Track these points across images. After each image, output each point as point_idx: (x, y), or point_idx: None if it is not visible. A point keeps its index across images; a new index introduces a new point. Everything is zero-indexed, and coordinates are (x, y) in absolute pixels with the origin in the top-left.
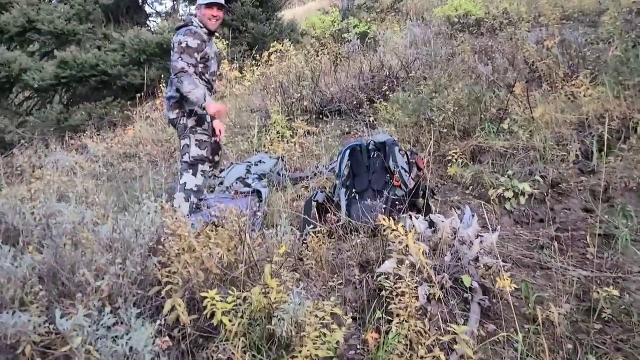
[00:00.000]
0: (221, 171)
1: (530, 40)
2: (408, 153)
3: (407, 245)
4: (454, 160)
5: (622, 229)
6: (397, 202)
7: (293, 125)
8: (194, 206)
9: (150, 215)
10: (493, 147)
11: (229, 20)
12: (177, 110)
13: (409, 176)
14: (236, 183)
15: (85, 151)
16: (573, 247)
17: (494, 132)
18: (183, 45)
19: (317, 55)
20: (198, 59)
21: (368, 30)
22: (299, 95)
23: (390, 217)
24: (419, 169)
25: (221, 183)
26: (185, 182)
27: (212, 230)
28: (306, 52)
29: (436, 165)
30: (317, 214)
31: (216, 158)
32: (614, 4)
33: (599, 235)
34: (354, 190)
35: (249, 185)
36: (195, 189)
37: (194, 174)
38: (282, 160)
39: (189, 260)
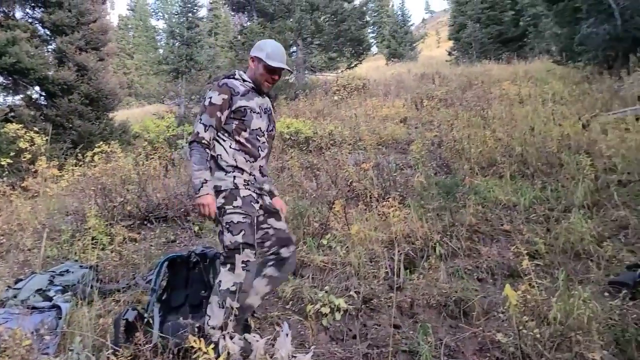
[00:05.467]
0: (17, 282)
1: (350, 161)
2: None
3: None
4: None
5: (424, 346)
6: None
7: (112, 231)
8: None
9: None
10: (314, 261)
11: (52, 116)
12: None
13: None
14: (34, 296)
15: None
16: None
17: (315, 246)
18: (206, 102)
19: (147, 160)
20: (224, 117)
21: None
22: (122, 199)
23: (203, 338)
24: None
25: (15, 296)
26: (220, 282)
27: None
28: (136, 155)
29: None
30: (126, 335)
31: (283, 252)
32: (420, 136)
33: (405, 351)
34: (169, 306)
35: (50, 299)
36: (233, 288)
37: (232, 269)
38: (95, 270)
39: None
